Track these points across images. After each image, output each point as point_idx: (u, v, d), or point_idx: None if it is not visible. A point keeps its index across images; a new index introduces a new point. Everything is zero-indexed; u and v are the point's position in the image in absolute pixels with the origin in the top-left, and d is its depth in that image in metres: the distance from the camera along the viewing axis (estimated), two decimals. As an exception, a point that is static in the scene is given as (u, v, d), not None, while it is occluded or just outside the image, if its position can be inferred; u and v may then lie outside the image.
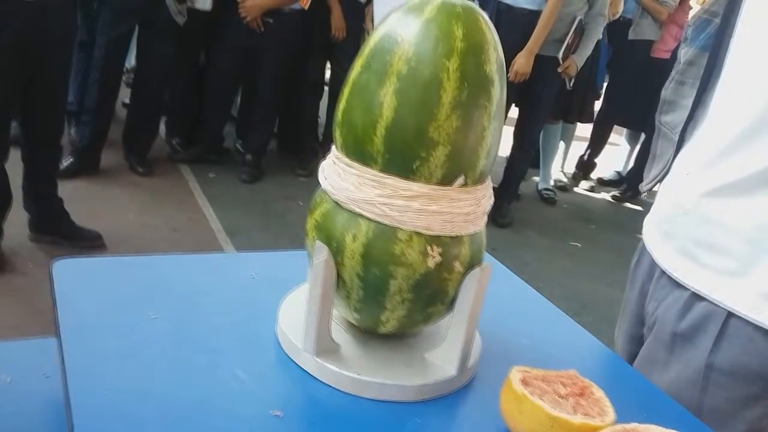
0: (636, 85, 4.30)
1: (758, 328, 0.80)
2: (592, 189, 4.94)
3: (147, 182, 3.50)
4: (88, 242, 2.69)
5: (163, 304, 0.78)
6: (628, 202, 4.79)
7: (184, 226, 3.14)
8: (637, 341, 1.01)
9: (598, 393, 0.67)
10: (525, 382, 0.66)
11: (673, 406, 0.79)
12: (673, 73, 1.00)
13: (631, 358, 1.01)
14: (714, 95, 0.91)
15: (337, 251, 0.68)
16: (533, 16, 3.40)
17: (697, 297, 0.86)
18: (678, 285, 0.89)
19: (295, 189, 3.77)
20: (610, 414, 0.64)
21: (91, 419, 0.59)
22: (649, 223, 0.99)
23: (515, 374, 0.67)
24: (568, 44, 3.53)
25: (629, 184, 4.78)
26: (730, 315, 0.82)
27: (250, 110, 3.97)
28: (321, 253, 0.67)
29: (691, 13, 1.03)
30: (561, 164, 4.91)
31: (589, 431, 0.62)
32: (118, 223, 2.95)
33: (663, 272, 0.92)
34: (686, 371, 0.86)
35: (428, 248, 0.66)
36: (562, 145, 4.67)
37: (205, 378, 0.68)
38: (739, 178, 0.81)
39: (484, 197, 0.70)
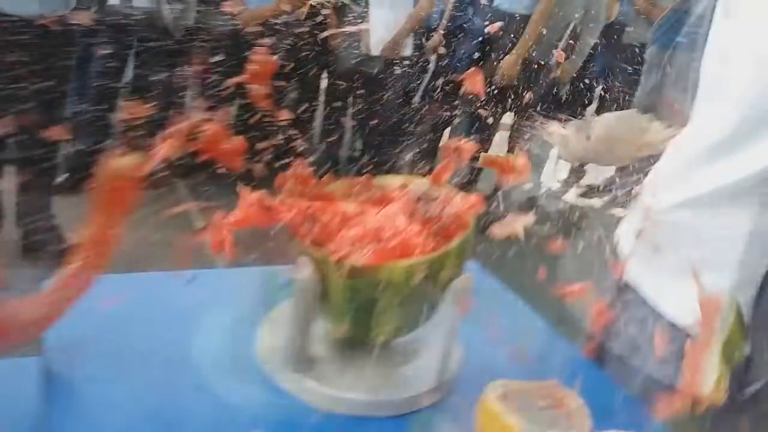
0: (631, 89, 4.29)
1: None
2: (583, 195, 4.93)
3: (142, 197, 3.49)
4: (81, 259, 2.67)
5: (148, 323, 0.78)
6: (619, 207, 4.78)
7: (180, 242, 3.13)
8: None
9: (576, 403, 0.67)
10: (503, 397, 0.66)
11: (652, 417, 0.79)
12: (642, 78, 0.97)
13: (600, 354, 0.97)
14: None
15: (324, 276, 0.68)
16: (527, 21, 3.40)
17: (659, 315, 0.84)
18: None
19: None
20: (587, 425, 0.65)
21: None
22: (621, 229, 0.97)
23: (490, 391, 0.67)
24: (562, 49, 3.53)
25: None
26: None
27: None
28: (303, 269, 0.67)
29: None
30: (552, 171, 4.90)
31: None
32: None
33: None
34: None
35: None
36: (554, 151, 4.65)
37: (185, 397, 0.68)
38: (707, 191, 0.79)
39: None
